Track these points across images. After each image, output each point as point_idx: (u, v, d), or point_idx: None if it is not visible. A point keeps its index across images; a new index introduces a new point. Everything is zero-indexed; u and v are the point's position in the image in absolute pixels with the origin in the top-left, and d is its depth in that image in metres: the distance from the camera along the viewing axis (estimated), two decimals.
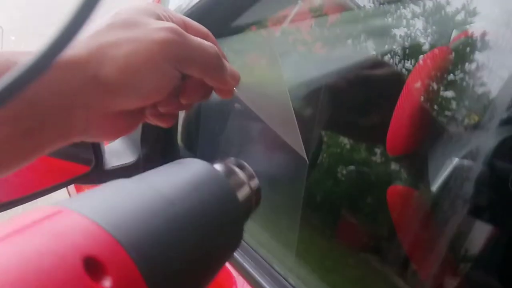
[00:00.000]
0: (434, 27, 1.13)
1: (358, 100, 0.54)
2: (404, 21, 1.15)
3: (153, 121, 0.42)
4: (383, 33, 1.00)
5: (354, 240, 0.73)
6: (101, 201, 0.18)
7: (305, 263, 0.64)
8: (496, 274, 0.44)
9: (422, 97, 0.40)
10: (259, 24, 1.19)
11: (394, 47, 1.04)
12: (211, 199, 0.21)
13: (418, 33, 1.14)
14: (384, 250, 0.57)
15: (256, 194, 0.26)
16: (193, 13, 0.62)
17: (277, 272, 0.44)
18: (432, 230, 0.40)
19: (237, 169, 0.25)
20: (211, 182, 0.22)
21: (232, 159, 0.27)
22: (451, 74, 0.40)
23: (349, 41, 1.00)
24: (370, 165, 0.61)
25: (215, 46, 0.38)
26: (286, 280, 0.43)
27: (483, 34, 0.49)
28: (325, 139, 0.92)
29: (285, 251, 0.50)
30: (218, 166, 0.25)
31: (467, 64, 0.41)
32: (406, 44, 1.14)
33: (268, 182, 0.63)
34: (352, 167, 0.52)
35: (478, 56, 0.42)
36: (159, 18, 0.37)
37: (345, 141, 0.86)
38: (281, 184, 0.53)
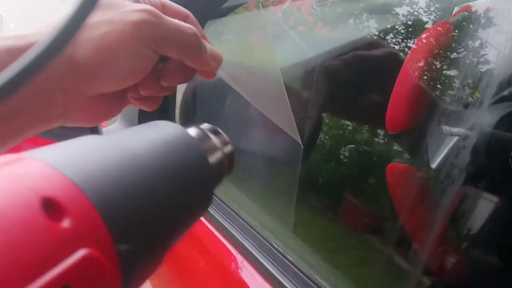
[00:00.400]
0: (437, 5, 1.11)
1: (355, 80, 0.54)
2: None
3: (136, 105, 0.41)
4: (385, 11, 0.99)
5: (356, 221, 0.73)
6: (64, 151, 0.18)
7: (308, 244, 0.64)
8: (495, 250, 0.44)
9: (421, 73, 0.40)
10: (259, 4, 1.18)
11: (397, 26, 1.02)
12: (179, 158, 0.22)
13: (421, 11, 1.12)
14: (386, 230, 0.57)
15: (229, 159, 0.26)
16: None
17: (275, 249, 0.44)
18: (431, 208, 0.40)
19: (211, 134, 0.26)
20: (181, 143, 0.23)
21: (206, 124, 0.27)
22: (451, 50, 0.40)
23: (351, 20, 0.98)
24: (372, 144, 0.61)
25: (194, 28, 0.37)
26: (284, 257, 0.43)
27: (486, 10, 0.48)
28: (326, 120, 0.92)
29: (283, 229, 0.51)
30: (191, 130, 0.25)
31: (467, 39, 0.40)
32: (409, 22, 1.12)
33: (265, 162, 0.63)
34: (352, 146, 0.51)
35: (479, 31, 0.42)
36: (136, 0, 0.37)
37: (347, 122, 0.86)
38: (278, 165, 0.52)
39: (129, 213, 0.17)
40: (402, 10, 1.12)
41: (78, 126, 0.39)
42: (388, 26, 1.00)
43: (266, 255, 0.44)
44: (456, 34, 0.39)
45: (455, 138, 0.42)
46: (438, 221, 0.41)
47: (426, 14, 1.10)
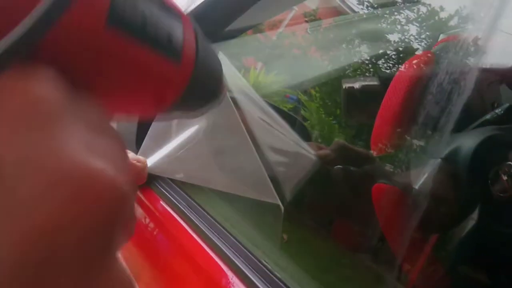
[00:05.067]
0: (427, 33, 1.14)
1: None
2: (399, 27, 1.17)
3: None
4: (377, 38, 1.02)
5: (347, 240, 0.75)
6: None
7: (300, 262, 0.65)
8: (478, 268, 0.45)
9: (404, 99, 0.42)
10: (256, 28, 1.21)
11: (388, 52, 1.05)
12: None
13: (412, 38, 1.16)
14: (376, 248, 0.58)
15: None
16: (194, 11, 0.63)
17: (264, 266, 0.45)
18: (415, 228, 0.42)
19: None
20: None
21: None
22: (433, 77, 0.42)
23: (343, 45, 1.02)
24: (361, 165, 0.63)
25: None
26: (273, 274, 0.44)
27: (475, 38, 0.50)
28: (319, 140, 0.94)
29: (271, 246, 0.52)
30: None
31: (448, 67, 0.42)
32: (400, 49, 1.15)
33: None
34: (339, 166, 0.53)
35: (460, 59, 0.44)
36: None
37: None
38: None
39: None
40: (393, 37, 1.16)
41: None
42: (380, 51, 1.03)
43: (255, 272, 0.45)
44: (437, 62, 0.41)
45: (438, 160, 0.44)
46: (420, 239, 0.43)
47: (417, 41, 1.14)
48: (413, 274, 0.52)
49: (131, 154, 0.40)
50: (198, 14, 0.59)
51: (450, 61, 0.41)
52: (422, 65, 0.42)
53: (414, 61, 0.44)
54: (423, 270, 0.50)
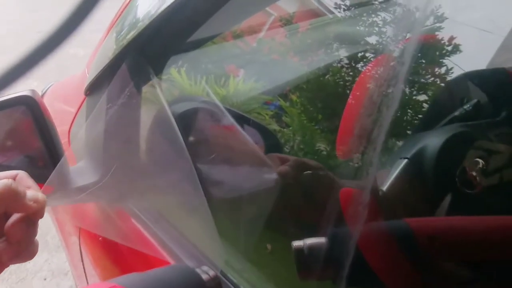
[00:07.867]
0: (404, 34, 1.14)
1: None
2: (376, 29, 1.16)
3: (15, 262, 0.43)
4: (355, 41, 1.02)
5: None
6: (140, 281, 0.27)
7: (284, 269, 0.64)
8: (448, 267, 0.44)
9: (366, 102, 0.41)
10: (235, 35, 1.21)
11: (367, 54, 1.05)
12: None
13: (389, 40, 1.15)
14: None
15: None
16: (151, 26, 0.61)
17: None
18: (382, 231, 0.40)
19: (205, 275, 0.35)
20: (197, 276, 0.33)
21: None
22: (394, 79, 0.41)
23: (321, 50, 1.01)
24: (336, 169, 0.61)
25: (8, 181, 0.39)
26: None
27: (450, 39, 0.49)
28: (301, 146, 0.93)
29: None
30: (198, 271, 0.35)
31: (408, 69, 0.41)
32: (379, 51, 1.15)
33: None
34: (308, 172, 0.52)
35: (422, 61, 0.43)
36: None
37: (321, 147, 0.87)
38: None
39: None
40: (371, 40, 1.15)
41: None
42: (359, 55, 1.03)
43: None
44: (396, 64, 0.40)
45: (404, 161, 0.43)
46: (389, 242, 0.41)
47: (394, 43, 1.13)
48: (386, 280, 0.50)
49: (29, 192, 0.39)
50: (157, 26, 0.58)
51: (402, 61, 0.40)
52: (378, 67, 0.42)
53: (374, 64, 0.43)
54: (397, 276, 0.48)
